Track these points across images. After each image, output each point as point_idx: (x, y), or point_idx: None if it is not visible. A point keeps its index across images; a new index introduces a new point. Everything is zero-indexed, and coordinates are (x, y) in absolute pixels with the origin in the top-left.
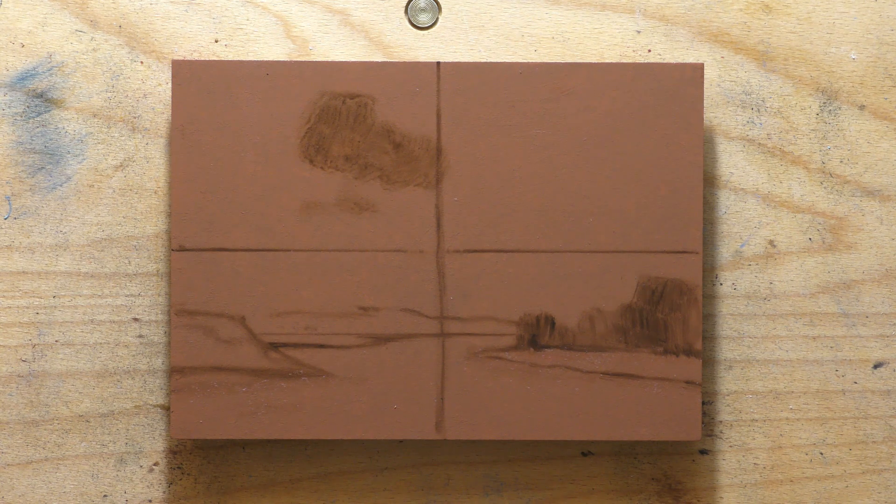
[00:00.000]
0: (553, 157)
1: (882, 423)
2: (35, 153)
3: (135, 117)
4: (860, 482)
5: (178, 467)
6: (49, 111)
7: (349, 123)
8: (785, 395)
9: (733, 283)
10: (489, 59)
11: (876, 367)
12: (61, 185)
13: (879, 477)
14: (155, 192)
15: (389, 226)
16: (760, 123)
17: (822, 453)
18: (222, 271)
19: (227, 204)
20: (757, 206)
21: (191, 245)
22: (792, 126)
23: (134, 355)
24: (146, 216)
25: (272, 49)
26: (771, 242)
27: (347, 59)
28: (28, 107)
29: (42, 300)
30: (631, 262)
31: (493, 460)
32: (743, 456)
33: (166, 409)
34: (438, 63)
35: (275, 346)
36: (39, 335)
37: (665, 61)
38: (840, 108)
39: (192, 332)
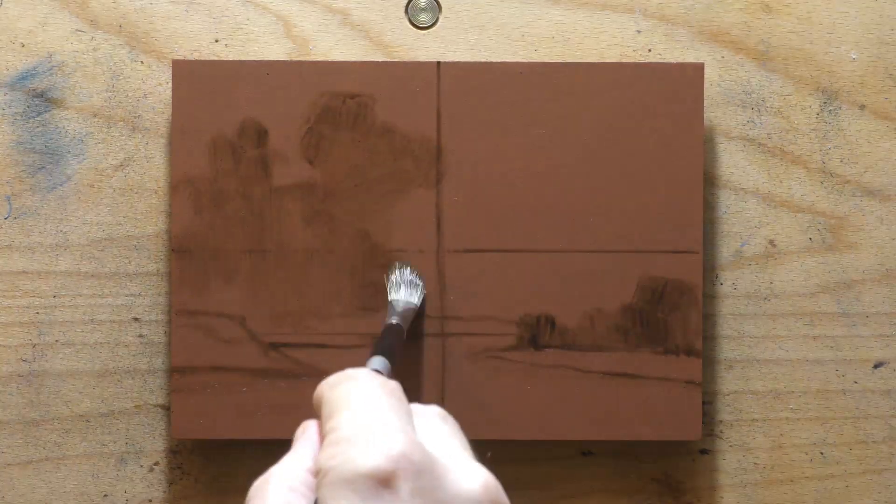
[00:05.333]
0: (553, 157)
1: (882, 423)
2: (35, 153)
3: (135, 117)
4: (860, 482)
5: (179, 467)
6: (49, 111)
7: (349, 123)
8: (785, 394)
9: (733, 283)
10: (489, 59)
11: (876, 366)
12: (61, 185)
13: (880, 477)
14: (155, 192)
15: (389, 226)
16: (760, 123)
17: (822, 453)
18: (222, 271)
19: (226, 204)
20: (757, 206)
21: (191, 245)
22: (792, 126)
23: (134, 355)
24: (146, 216)
25: (272, 49)
26: (771, 242)
27: (347, 59)
28: (28, 106)
29: (42, 300)
30: (631, 262)
31: (493, 460)
32: (743, 456)
33: (166, 409)
34: (438, 63)
35: (275, 346)
36: (39, 335)
37: (665, 61)
38: (840, 108)
39: (192, 332)
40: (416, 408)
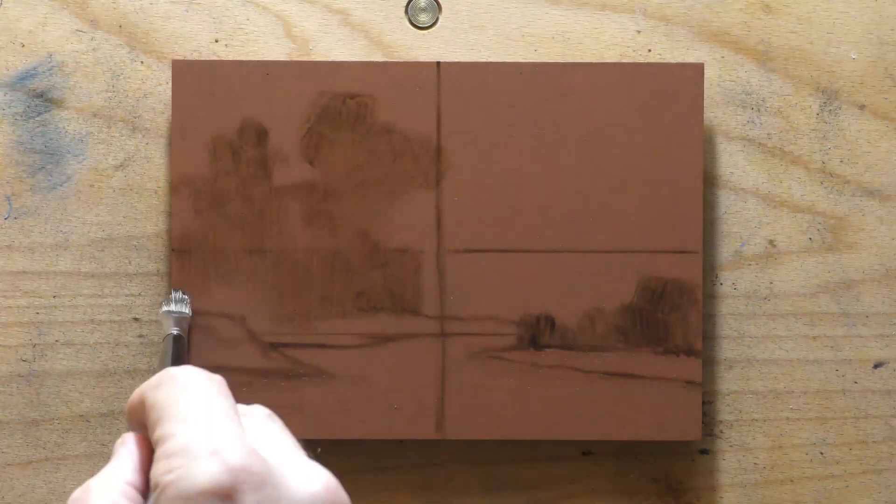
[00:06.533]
0: (553, 157)
1: (882, 423)
2: (35, 153)
3: (135, 117)
4: (860, 482)
5: None
6: (49, 111)
7: (349, 123)
8: (785, 394)
9: (733, 283)
10: (489, 59)
11: (876, 366)
12: (61, 185)
13: (879, 477)
14: (155, 192)
15: (389, 226)
16: (760, 123)
17: (822, 453)
18: (222, 271)
19: (226, 204)
20: (757, 206)
21: (191, 245)
22: (792, 126)
23: (134, 355)
24: (146, 216)
25: (272, 49)
26: (771, 242)
27: (347, 59)
28: (28, 107)
29: (42, 300)
30: (631, 262)
31: (493, 460)
32: (743, 456)
33: None
34: (438, 63)
35: (275, 346)
36: (39, 335)
37: (665, 61)
38: (840, 108)
39: (192, 333)
40: (241, 408)
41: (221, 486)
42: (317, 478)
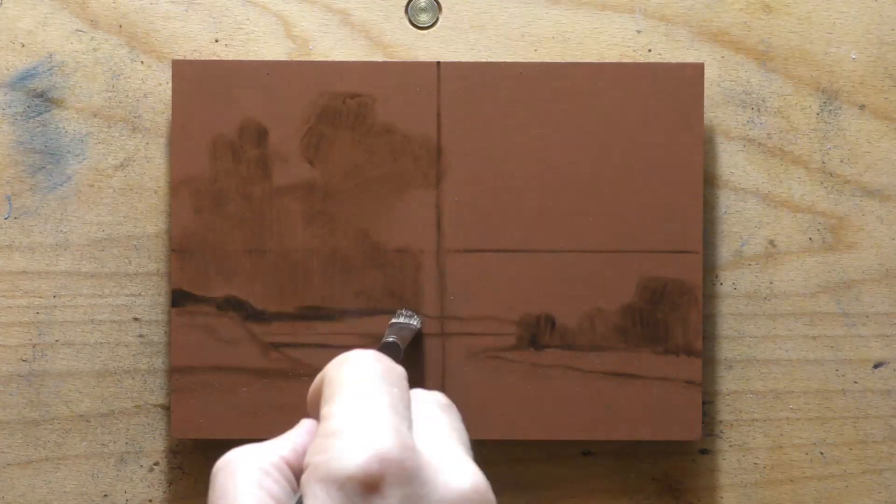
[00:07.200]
0: (553, 156)
1: (882, 423)
2: (35, 153)
3: (135, 117)
4: (860, 482)
5: (179, 467)
6: (49, 111)
7: (349, 123)
8: (785, 394)
9: (733, 283)
10: (489, 59)
11: (876, 366)
12: (61, 185)
13: (879, 477)
14: (155, 192)
15: (389, 226)
16: (760, 123)
17: (822, 453)
18: (222, 271)
19: (226, 204)
20: (757, 206)
21: (191, 245)
22: (792, 126)
23: (134, 355)
24: (146, 216)
25: (272, 49)
26: (771, 242)
27: (347, 59)
28: (28, 106)
29: (42, 300)
30: (631, 262)
31: (493, 460)
32: (743, 456)
33: (166, 408)
34: (438, 63)
35: (275, 346)
36: (40, 335)
37: (665, 61)
38: (840, 108)
39: (192, 332)
40: (419, 394)
41: (369, 474)
42: (467, 477)
